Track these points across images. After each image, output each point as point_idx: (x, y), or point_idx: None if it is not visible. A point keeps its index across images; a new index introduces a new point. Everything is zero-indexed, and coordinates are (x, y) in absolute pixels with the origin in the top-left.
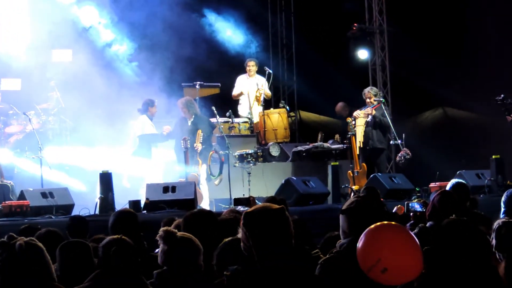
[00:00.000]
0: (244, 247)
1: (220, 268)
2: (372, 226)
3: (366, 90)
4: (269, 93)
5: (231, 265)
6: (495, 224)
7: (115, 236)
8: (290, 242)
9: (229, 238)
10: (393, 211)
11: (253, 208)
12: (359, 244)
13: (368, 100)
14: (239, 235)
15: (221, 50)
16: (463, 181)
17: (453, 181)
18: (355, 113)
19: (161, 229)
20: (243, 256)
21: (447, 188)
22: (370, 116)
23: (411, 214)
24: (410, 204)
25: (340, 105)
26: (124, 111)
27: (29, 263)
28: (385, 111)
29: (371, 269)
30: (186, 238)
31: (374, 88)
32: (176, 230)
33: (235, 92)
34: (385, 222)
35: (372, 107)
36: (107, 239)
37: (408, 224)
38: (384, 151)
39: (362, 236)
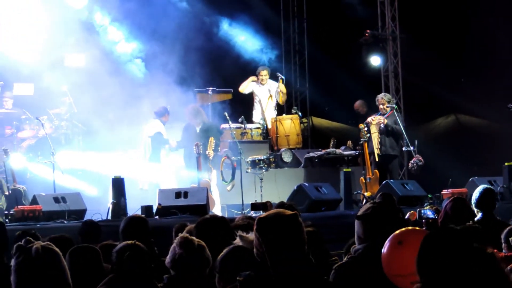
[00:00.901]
0: (257, 252)
1: (223, 275)
2: (404, 231)
3: (380, 96)
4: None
5: (234, 271)
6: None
7: (129, 242)
8: (303, 248)
9: (232, 245)
10: (406, 217)
11: (266, 214)
12: (387, 249)
13: (381, 106)
14: (240, 243)
15: (234, 56)
16: (492, 187)
17: (482, 186)
18: (369, 119)
19: (181, 234)
20: (255, 261)
21: (476, 193)
22: (382, 124)
23: (423, 221)
24: (422, 211)
25: (359, 102)
26: (137, 115)
27: (45, 268)
28: (397, 118)
29: (398, 277)
30: (202, 247)
31: (388, 95)
32: (194, 238)
33: (243, 85)
34: (417, 228)
35: (385, 116)
36: (121, 244)
37: None
38: (397, 158)
39: (390, 241)
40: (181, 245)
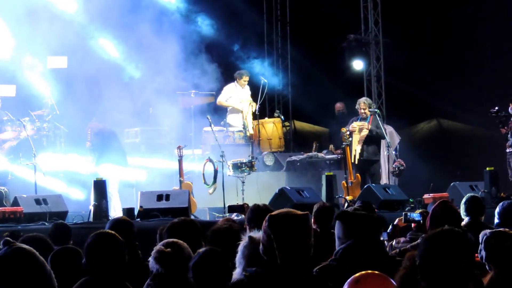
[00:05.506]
0: (264, 249)
1: (198, 279)
2: (364, 273)
3: (361, 100)
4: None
5: (209, 276)
6: (482, 235)
7: (97, 232)
8: (310, 248)
9: (203, 249)
10: (395, 223)
11: (277, 212)
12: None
13: (362, 110)
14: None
15: (216, 59)
16: (477, 195)
17: (468, 195)
18: (351, 127)
19: (154, 251)
20: (261, 258)
21: (463, 202)
22: (365, 129)
23: (413, 224)
24: (408, 215)
25: (340, 103)
26: (119, 118)
27: (23, 269)
28: (379, 122)
29: None
30: (176, 252)
31: (369, 99)
32: (168, 250)
33: (222, 99)
34: (376, 272)
35: (368, 122)
36: (90, 236)
37: (408, 234)
38: (378, 162)
39: (348, 282)
40: (157, 261)
